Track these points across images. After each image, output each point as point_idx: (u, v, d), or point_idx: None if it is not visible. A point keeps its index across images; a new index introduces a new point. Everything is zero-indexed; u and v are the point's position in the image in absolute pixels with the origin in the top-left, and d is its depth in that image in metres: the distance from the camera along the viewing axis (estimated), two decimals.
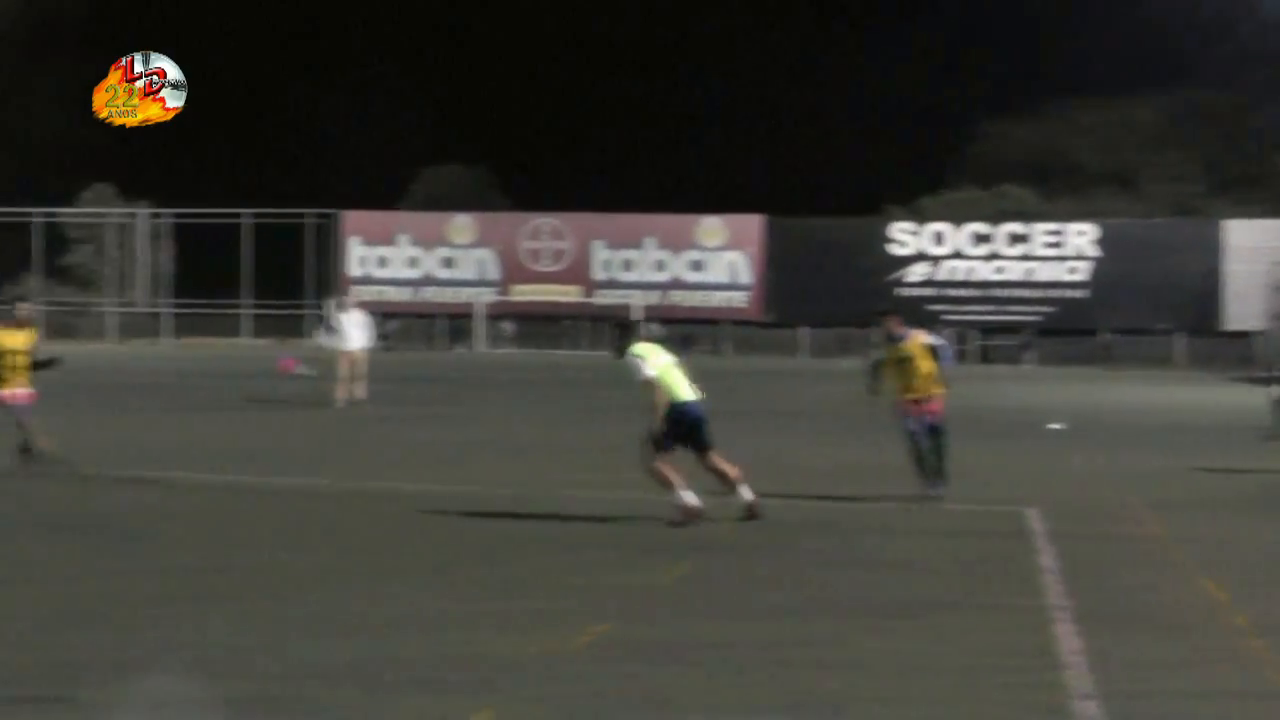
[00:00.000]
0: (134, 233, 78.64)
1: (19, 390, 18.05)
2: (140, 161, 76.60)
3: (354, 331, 31.22)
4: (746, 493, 14.82)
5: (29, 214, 76.89)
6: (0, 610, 10.19)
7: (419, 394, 35.36)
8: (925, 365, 16.54)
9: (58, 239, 79.58)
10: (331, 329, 31.84)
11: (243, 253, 74.47)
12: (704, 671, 8.82)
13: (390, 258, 72.80)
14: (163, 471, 18.25)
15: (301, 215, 74.09)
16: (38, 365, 18.44)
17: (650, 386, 14.83)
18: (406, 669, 8.76)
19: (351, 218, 73.15)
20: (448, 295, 71.58)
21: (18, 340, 18.33)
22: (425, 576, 11.73)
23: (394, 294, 71.22)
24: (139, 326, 74.78)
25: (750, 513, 14.68)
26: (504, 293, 71.23)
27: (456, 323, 71.32)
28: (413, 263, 72.65)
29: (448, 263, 72.43)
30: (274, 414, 28.76)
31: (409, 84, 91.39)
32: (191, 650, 9.07)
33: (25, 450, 17.75)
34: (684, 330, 67.46)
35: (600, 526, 14.35)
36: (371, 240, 72.87)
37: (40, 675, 8.48)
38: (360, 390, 30.67)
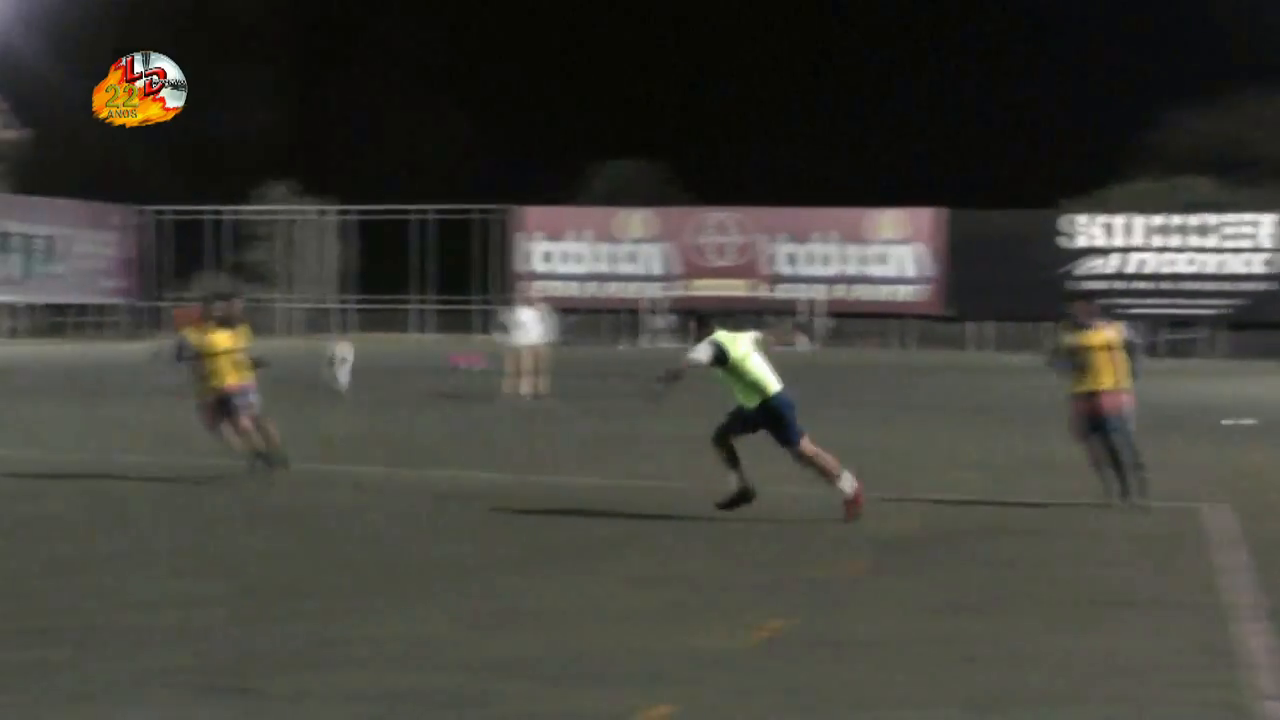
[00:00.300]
0: (313, 229, 79.82)
1: (233, 387, 17.09)
2: (320, 159, 77.78)
3: (531, 327, 31.49)
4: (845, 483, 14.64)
5: (218, 211, 78.38)
6: (196, 601, 10.43)
7: (593, 388, 35.52)
8: (1110, 357, 15.68)
9: (239, 236, 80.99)
10: (508, 324, 32.09)
11: (419, 249, 75.27)
12: (883, 667, 8.81)
13: (564, 253, 73.20)
14: (347, 466, 18.55)
15: (477, 211, 74.71)
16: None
17: (732, 371, 14.78)
18: (580, 662, 8.83)
19: (526, 213, 73.64)
20: (621, 290, 71.83)
21: (224, 340, 17.26)
22: (601, 569, 11.82)
23: (567, 289, 71.57)
24: (317, 322, 75.91)
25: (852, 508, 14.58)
26: (678, 287, 71.31)
27: (629, 318, 71.52)
28: (587, 258, 72.99)
29: (622, 258, 72.68)
30: (448, 409, 29.07)
31: (586, 79, 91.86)
32: (372, 644, 9.23)
33: (260, 455, 17.08)
34: (850, 325, 67.19)
35: (778, 521, 14.36)
36: (546, 235, 73.32)
37: (232, 666, 8.66)
38: (542, 385, 30.94)
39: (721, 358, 14.70)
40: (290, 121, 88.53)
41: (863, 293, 69.77)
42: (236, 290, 18.40)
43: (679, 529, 13.85)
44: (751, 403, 14.80)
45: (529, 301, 34.33)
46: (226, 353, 17.08)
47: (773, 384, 14.83)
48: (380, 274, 74.32)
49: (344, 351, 21.14)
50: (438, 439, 23.11)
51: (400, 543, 13.01)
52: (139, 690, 8.11)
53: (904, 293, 69.27)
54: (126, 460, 18.83)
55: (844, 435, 23.90)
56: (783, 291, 70.20)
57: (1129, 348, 15.88)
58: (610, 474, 18.06)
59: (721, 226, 71.74)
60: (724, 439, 14.83)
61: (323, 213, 79.45)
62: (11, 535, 13.14)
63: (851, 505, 14.38)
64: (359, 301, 75.49)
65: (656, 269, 72.09)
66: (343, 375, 28.51)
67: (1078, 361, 15.82)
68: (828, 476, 14.60)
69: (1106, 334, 15.87)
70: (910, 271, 69.24)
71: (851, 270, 70.02)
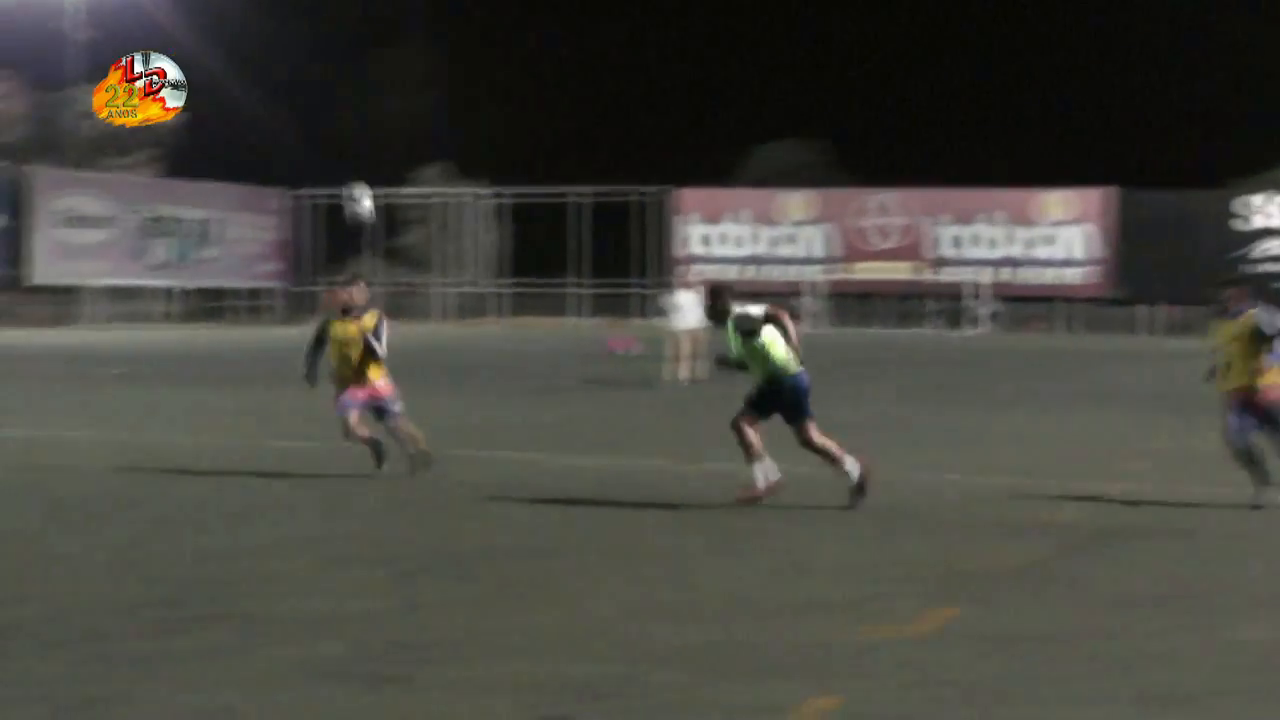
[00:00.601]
0: (468, 212, 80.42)
1: (363, 387, 16.14)
2: (475, 141, 78.34)
3: (689, 310, 31.52)
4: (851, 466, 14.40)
5: (372, 194, 79.21)
6: (351, 589, 10.54)
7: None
8: (1246, 348, 14.52)
9: (393, 220, 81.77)
10: (666, 308, 32.15)
11: (575, 231, 75.60)
12: (1051, 661, 8.71)
13: (722, 235, 73.20)
14: (506, 452, 18.67)
15: (635, 193, 74.88)
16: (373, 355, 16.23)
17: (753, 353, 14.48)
18: (742, 653, 8.82)
19: (684, 195, 73.69)
20: (782, 273, 71.71)
21: (351, 330, 16.20)
22: (755, 558, 11.79)
23: (725, 272, 71.54)
24: (472, 306, 76.51)
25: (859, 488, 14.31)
26: (839, 270, 71.07)
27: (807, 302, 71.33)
28: (745, 240, 72.94)
29: (781, 240, 72.56)
30: (606, 394, 29.17)
31: (745, 58, 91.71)
32: (529, 633, 9.27)
33: (414, 456, 16.19)
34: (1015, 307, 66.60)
35: (944, 509, 14.25)
36: (704, 218, 73.35)
37: (388, 655, 8.74)
38: (700, 369, 30.98)
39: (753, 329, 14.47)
40: (444, 103, 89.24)
41: (1029, 276, 69.13)
42: (357, 274, 17.44)
43: (836, 517, 13.78)
44: (769, 379, 14.54)
45: (687, 285, 34.35)
46: (343, 344, 16.13)
47: (793, 363, 14.56)
48: (535, 257, 74.79)
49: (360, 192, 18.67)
50: (595, 425, 23.20)
51: (558, 530, 13.06)
52: (298, 678, 8.20)
53: (1071, 275, 68.51)
54: (278, 447, 19.07)
55: (1009, 423, 23.70)
56: (947, 275, 69.72)
57: (1264, 335, 14.44)
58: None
59: (883, 208, 71.39)
60: (738, 425, 14.56)
61: (477, 195, 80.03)
62: (167, 522, 13.36)
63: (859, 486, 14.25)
64: (513, 285, 76.00)
65: (817, 252, 71.91)
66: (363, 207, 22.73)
67: (1226, 352, 14.75)
68: (833, 462, 14.40)
69: (1248, 320, 14.60)
70: (1078, 253, 68.47)
71: (1017, 253, 69.38)
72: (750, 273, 71.96)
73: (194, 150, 79.47)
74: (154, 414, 24.11)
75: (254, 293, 76.91)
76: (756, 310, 14.62)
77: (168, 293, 73.17)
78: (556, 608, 9.95)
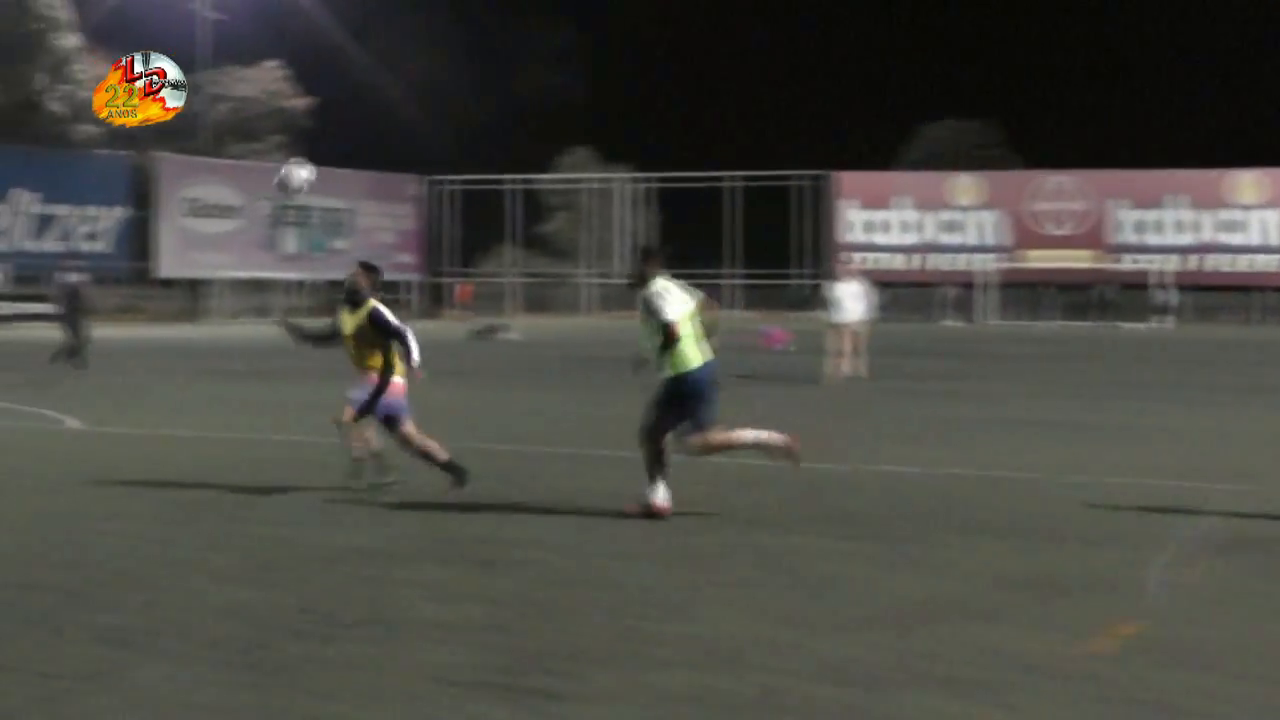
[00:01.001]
0: (614, 199, 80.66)
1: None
2: (621, 124, 78.52)
3: (849, 303, 31.40)
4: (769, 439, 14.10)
5: (510, 181, 79.70)
6: (493, 595, 10.62)
7: (914, 368, 35.31)
8: None
9: (535, 207, 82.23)
10: (826, 300, 32.06)
11: (728, 218, 75.61)
12: (1241, 677, 8.60)
13: (886, 222, 72.90)
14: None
15: (791, 177, 74.76)
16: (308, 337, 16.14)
17: (671, 333, 13.82)
18: (916, 664, 8.78)
19: (845, 179, 73.47)
20: (949, 262, 71.30)
21: (347, 321, 15.62)
22: (939, 564, 11.72)
23: (889, 261, 71.26)
24: (618, 298, 76.68)
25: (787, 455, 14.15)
26: (1011, 258, 70.53)
27: (957, 292, 70.95)
28: (910, 227, 72.58)
29: (949, 226, 72.14)
30: (761, 391, 29.13)
31: (907, 33, 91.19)
32: (682, 642, 9.28)
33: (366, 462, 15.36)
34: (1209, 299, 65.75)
35: (1126, 516, 14.11)
36: (866, 203, 73.07)
37: (532, 664, 8.78)
38: (861, 365, 30.88)
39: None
40: (589, 83, 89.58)
41: (1219, 263, 68.19)
42: (365, 261, 16.92)
43: (1011, 520, 13.68)
44: (675, 372, 13.94)
45: (848, 275, 34.24)
46: (348, 337, 15.53)
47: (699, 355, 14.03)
48: (686, 246, 74.81)
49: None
50: (750, 423, 23.15)
51: (711, 533, 13.06)
52: (438, 688, 8.28)
53: (1265, 263, 67.49)
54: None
55: (1190, 420, 23.39)
56: (1129, 263, 68.97)
57: None
58: (926, 461, 17.90)
59: (1060, 191, 70.76)
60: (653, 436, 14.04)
61: (623, 180, 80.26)
62: (303, 523, 13.52)
63: (645, 509, 13.79)
64: (663, 276, 75.93)
65: (988, 239, 71.47)
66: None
67: None
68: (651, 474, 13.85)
69: None
70: (1274, 239, 67.43)
71: (1206, 238, 68.46)
72: (916, 261, 71.64)
73: (324, 135, 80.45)
74: (281, 410, 24.41)
75: (388, 285, 77.41)
76: (675, 301, 14.10)
77: (299, 285, 73.96)
78: (714, 616, 9.95)
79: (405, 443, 15.20)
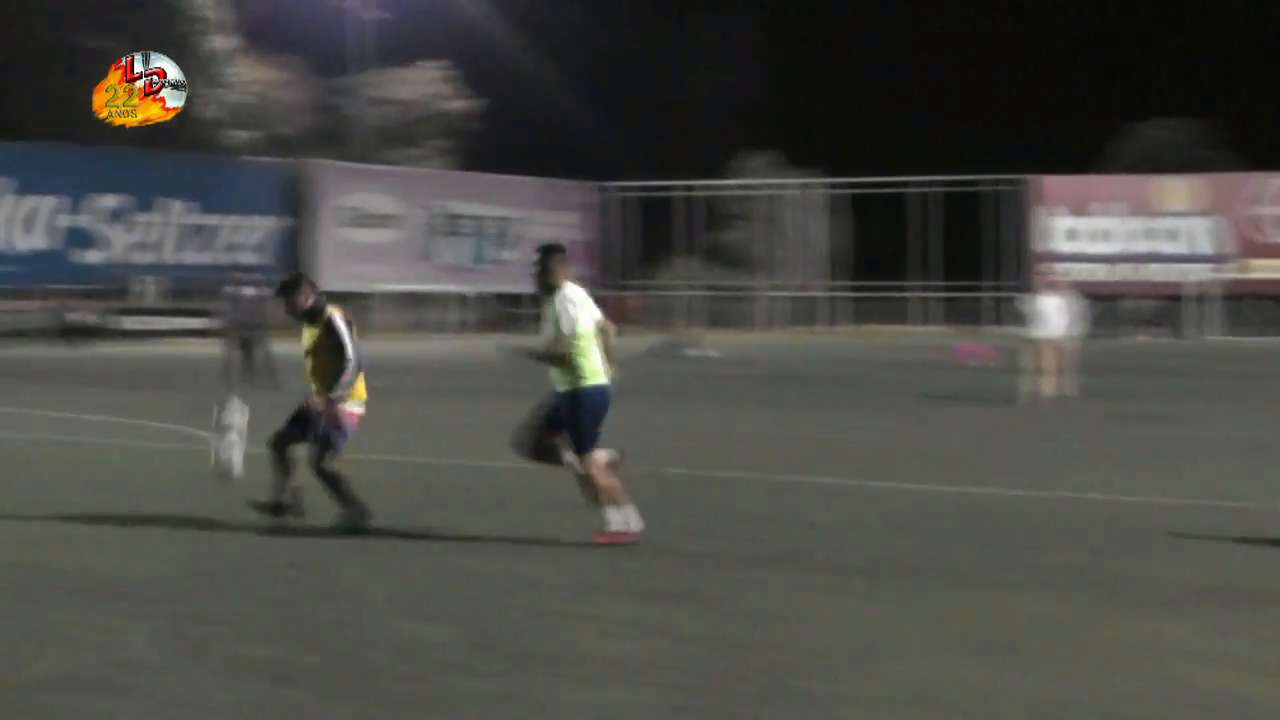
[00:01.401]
0: (798, 206, 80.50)
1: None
2: (805, 126, 78.46)
3: (1053, 317, 31.13)
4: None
5: (689, 187, 79.87)
6: (666, 628, 10.64)
7: (1125, 387, 35.00)
8: None
9: (714, 215, 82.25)
10: (1026, 314, 31.80)
11: (921, 226, 75.27)
12: None
13: (1091, 229, 72.22)
14: (856, 480, 18.68)
15: (989, 182, 74.29)
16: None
17: (571, 346, 13.72)
18: (1124, 707, 8.70)
19: (1046, 184, 72.88)
20: (1163, 272, 70.46)
21: (306, 338, 15.50)
22: (1158, 605, 11.56)
23: (1095, 272, 70.56)
24: (802, 312, 76.50)
25: None
26: (1231, 269, 69.59)
27: (1156, 305, 70.11)
28: (1118, 235, 71.84)
29: (1161, 234, 71.31)
30: (955, 412, 28.97)
31: (1113, 27, 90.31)
32: (887, 686, 9.26)
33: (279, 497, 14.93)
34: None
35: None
36: (1067, 210, 72.44)
37: (709, 703, 8.80)
38: (1068, 384, 30.60)
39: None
40: (771, 84, 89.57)
41: None
42: (300, 275, 16.51)
43: (1255, 559, 13.50)
44: (566, 386, 13.91)
45: (1051, 287, 33.95)
46: (306, 355, 15.41)
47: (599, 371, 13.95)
48: (876, 256, 74.51)
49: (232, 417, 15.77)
50: (945, 446, 23.06)
51: (891, 558, 13.00)
52: None
53: None
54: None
55: None
56: None
57: None
58: (1138, 489, 17.71)
59: None
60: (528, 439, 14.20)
61: (807, 186, 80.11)
62: (468, 550, 13.62)
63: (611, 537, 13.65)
64: (849, 288, 75.86)
65: (1204, 247, 70.56)
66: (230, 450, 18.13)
67: None
68: (604, 500, 13.77)
69: None
70: None
71: None
72: (1125, 272, 70.88)
73: (489, 140, 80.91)
74: (442, 431, 24.64)
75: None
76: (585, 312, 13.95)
77: (462, 300, 74.22)
78: (899, 659, 9.92)
79: (321, 472, 14.77)
